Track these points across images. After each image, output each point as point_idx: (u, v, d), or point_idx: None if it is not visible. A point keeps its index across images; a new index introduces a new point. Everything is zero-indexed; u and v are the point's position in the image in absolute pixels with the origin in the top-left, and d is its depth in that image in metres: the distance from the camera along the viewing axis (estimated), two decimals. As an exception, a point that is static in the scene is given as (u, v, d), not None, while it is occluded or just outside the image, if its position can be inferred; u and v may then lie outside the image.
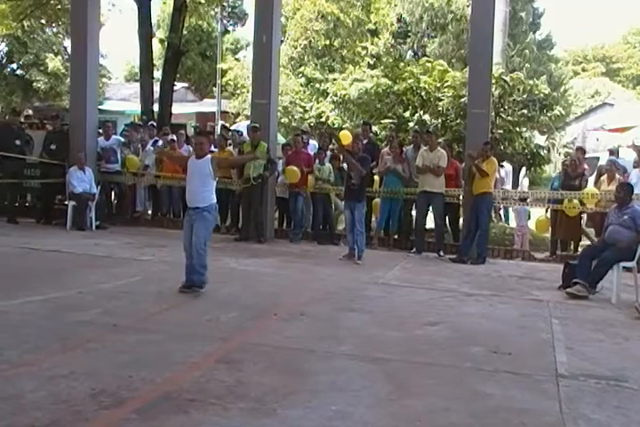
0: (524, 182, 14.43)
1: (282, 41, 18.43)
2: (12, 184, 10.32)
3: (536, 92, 12.52)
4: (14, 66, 26.71)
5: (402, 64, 15.35)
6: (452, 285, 7.11)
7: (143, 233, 9.94)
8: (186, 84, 29.22)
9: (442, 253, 9.08)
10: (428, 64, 13.18)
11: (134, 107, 19.97)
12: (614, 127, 21.74)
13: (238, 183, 9.96)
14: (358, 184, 8.26)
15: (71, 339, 4.34)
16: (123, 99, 25.51)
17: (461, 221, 9.61)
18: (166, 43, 18.11)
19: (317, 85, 21.81)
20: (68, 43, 21.27)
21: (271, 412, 3.27)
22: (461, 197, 9.44)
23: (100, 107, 15.59)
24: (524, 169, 14.28)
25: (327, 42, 22.63)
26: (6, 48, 26.06)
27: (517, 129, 12.43)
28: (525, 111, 12.31)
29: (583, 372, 4.17)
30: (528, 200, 10.17)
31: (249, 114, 12.73)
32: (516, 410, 3.47)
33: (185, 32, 20.54)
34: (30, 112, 20.17)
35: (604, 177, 9.69)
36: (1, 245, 8.04)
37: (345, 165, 8.99)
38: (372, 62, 22.97)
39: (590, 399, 3.69)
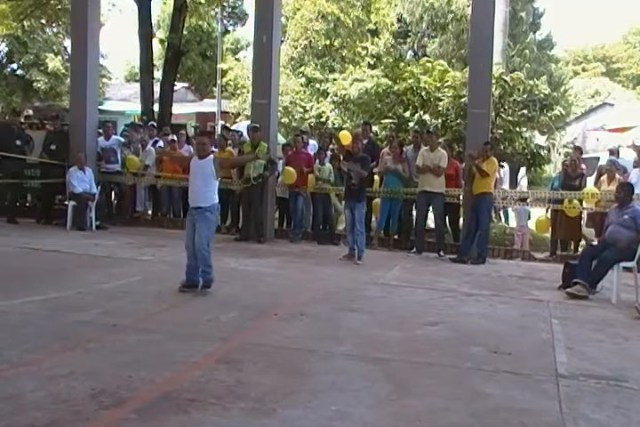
0: (523, 182, 14.45)
1: (282, 41, 18.41)
2: (12, 184, 10.31)
3: (536, 92, 12.53)
4: (14, 66, 26.71)
5: (402, 64, 15.37)
6: (452, 285, 7.10)
7: (143, 233, 9.94)
8: (186, 85, 29.22)
9: (442, 254, 9.08)
10: (428, 64, 13.19)
11: (134, 107, 19.97)
12: (614, 127, 21.74)
13: (238, 183, 9.96)
14: (358, 184, 8.26)
15: (71, 339, 4.34)
16: (123, 99, 25.51)
17: (461, 221, 9.61)
18: (166, 43, 18.13)
19: (317, 85, 21.80)
20: (68, 43, 21.29)
21: (271, 412, 3.27)
22: (461, 197, 9.44)
23: (100, 107, 15.59)
24: (522, 169, 14.30)
25: (327, 42, 22.62)
26: (6, 48, 26.06)
27: (517, 129, 12.44)
28: (525, 111, 12.32)
29: (583, 372, 4.17)
30: (528, 200, 10.17)
31: (249, 114, 12.73)
32: (515, 410, 3.47)
33: (185, 32, 20.55)
34: (30, 112, 20.15)
35: (604, 177, 9.69)
36: (1, 245, 8.04)
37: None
38: (372, 62, 22.96)
39: (590, 399, 3.69)
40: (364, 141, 9.77)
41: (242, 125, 14.61)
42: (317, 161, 10.07)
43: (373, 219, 10.12)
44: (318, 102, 21.18)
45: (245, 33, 35.15)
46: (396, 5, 27.49)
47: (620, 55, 45.90)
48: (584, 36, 62.92)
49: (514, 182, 14.35)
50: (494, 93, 11.28)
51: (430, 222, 9.47)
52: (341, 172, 9.57)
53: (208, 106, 26.45)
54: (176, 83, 18.60)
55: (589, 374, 4.14)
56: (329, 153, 10.21)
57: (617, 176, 9.48)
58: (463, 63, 19.76)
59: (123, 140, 11.25)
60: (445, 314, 5.67)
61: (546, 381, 3.98)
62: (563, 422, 3.36)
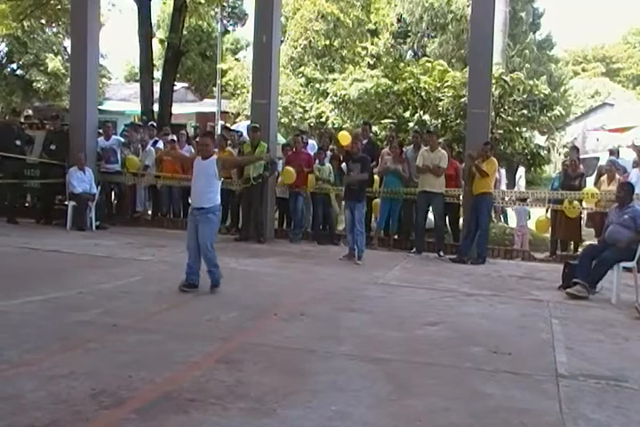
0: (521, 182, 14.43)
1: (282, 41, 18.44)
2: (12, 184, 10.31)
3: (536, 92, 12.53)
4: (14, 66, 26.70)
5: (402, 64, 15.39)
6: (452, 285, 7.10)
7: (143, 233, 9.94)
8: (186, 85, 29.22)
9: (442, 254, 9.07)
10: (428, 64, 13.19)
11: (134, 107, 19.96)
12: (614, 127, 21.72)
13: (238, 183, 9.96)
14: (358, 184, 8.27)
15: (71, 339, 4.34)
16: (123, 99, 25.50)
17: (461, 221, 9.61)
18: (166, 43, 18.12)
19: (317, 85, 21.81)
20: (67, 43, 21.28)
21: (271, 412, 3.27)
22: (461, 197, 9.44)
23: (100, 107, 15.59)
24: (521, 169, 14.29)
25: (327, 42, 22.62)
26: (6, 48, 26.05)
27: (517, 129, 12.44)
28: (525, 111, 12.32)
29: (583, 372, 4.17)
30: (528, 200, 10.18)
31: (249, 114, 12.73)
32: (515, 410, 3.47)
33: (185, 32, 20.55)
34: (30, 112, 20.18)
35: (604, 177, 9.70)
36: (1, 245, 8.04)
37: (344, 166, 9.00)
38: (372, 62, 22.97)
39: (590, 399, 3.69)
40: (364, 142, 9.78)
41: (242, 125, 14.61)
42: (317, 161, 10.07)
43: (373, 219, 10.12)
44: (318, 102, 21.18)
45: (245, 33, 35.22)
46: (395, 5, 27.49)
47: (619, 55, 45.90)
48: (584, 36, 63.10)
49: (511, 183, 14.35)
50: (494, 93, 11.28)
51: (430, 222, 9.45)
52: (341, 172, 9.59)
53: (208, 106, 26.44)
54: (176, 83, 18.60)
55: (589, 374, 4.14)
56: (329, 153, 10.21)
57: (617, 176, 9.48)
58: (463, 63, 19.76)
59: (123, 140, 11.25)
60: (445, 314, 5.67)
61: (546, 381, 3.98)
62: (563, 422, 3.36)
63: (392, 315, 5.56)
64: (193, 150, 10.72)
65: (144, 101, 15.97)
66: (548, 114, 12.91)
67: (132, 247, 8.48)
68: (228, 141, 10.76)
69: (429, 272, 7.92)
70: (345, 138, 9.25)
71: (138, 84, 18.19)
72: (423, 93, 12.56)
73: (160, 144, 11.17)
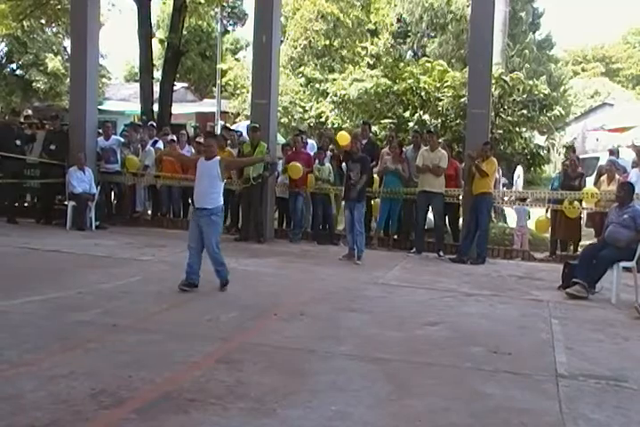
0: (519, 182, 14.43)
1: (282, 41, 18.46)
2: (12, 184, 10.30)
3: (536, 92, 12.55)
4: (14, 66, 26.70)
5: (402, 64, 15.41)
6: (451, 285, 7.11)
7: (143, 233, 9.94)
8: (186, 85, 29.22)
9: (442, 254, 9.07)
10: (428, 64, 13.21)
11: (134, 107, 19.96)
12: (614, 127, 21.73)
13: (238, 183, 9.96)
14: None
15: (71, 339, 4.34)
16: (122, 99, 25.50)
17: (461, 221, 9.61)
18: (166, 43, 18.11)
19: (317, 85, 21.82)
20: (67, 43, 21.26)
21: (271, 412, 3.27)
22: (461, 197, 9.45)
23: (99, 107, 15.59)
24: (519, 168, 14.29)
25: (327, 42, 22.64)
26: (6, 48, 26.04)
27: (517, 129, 12.46)
28: (525, 111, 12.34)
29: (583, 372, 4.17)
30: (528, 200, 10.18)
31: (249, 114, 12.73)
32: (515, 410, 3.47)
33: (185, 32, 20.55)
34: (30, 112, 20.18)
35: (604, 177, 9.69)
36: (1, 245, 8.04)
37: (344, 165, 9.00)
38: (371, 62, 22.98)
39: (590, 399, 3.69)
40: (364, 141, 9.77)
41: (241, 125, 14.60)
42: (317, 161, 10.07)
43: (373, 219, 10.12)
44: (318, 102, 21.19)
45: (245, 33, 35.22)
46: (395, 5, 27.51)
47: (619, 55, 45.89)
48: (584, 36, 63.21)
49: (510, 182, 14.34)
50: (494, 93, 11.29)
51: (430, 222, 9.45)
52: (341, 171, 9.60)
53: (208, 106, 26.44)
54: (176, 83, 18.60)
55: (589, 374, 4.14)
56: (328, 153, 10.22)
57: (617, 176, 9.49)
58: (463, 63, 19.78)
59: (122, 140, 11.24)
60: (445, 314, 5.67)
61: (546, 381, 3.98)
62: (563, 422, 3.36)
63: (392, 315, 5.56)
64: (193, 150, 10.75)
65: (144, 101, 15.97)
66: (548, 114, 12.93)
67: (131, 247, 8.48)
68: (228, 141, 10.76)
69: (429, 272, 7.92)
70: (344, 138, 9.26)
71: (138, 84, 18.19)
72: (423, 93, 12.57)
73: (160, 144, 11.16)
